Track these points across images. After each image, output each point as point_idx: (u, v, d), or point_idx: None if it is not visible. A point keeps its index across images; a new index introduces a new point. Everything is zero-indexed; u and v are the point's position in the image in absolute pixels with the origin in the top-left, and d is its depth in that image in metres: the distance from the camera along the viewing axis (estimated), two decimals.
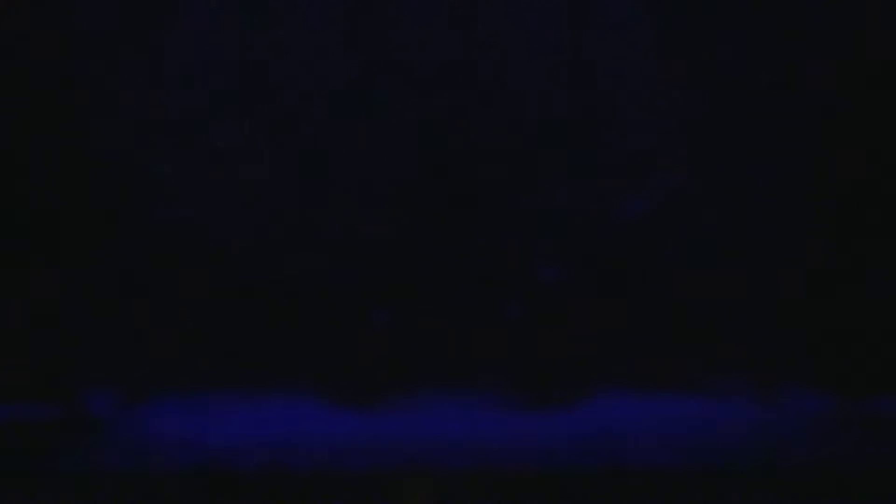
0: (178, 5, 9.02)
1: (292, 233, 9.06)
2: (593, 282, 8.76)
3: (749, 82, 9.06)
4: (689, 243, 8.86)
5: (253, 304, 8.98)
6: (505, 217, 9.04)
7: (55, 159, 7.54)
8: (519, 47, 9.11)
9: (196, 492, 6.22)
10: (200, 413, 7.79)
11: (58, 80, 7.59)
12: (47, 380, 7.46)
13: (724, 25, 9.09)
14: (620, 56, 9.11)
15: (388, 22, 9.11)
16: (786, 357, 8.40)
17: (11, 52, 7.47)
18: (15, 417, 7.45)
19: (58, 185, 7.52)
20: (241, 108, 9.07)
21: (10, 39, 7.46)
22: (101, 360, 8.16)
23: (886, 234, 7.70)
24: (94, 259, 8.06)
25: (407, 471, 6.29)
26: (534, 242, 8.90)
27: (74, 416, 7.47)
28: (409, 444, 6.85)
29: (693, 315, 8.88)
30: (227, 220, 9.03)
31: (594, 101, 9.12)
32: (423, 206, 9.08)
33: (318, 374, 8.42)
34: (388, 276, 8.65)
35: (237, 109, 9.07)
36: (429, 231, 9.03)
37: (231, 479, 6.25)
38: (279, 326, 8.94)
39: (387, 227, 9.05)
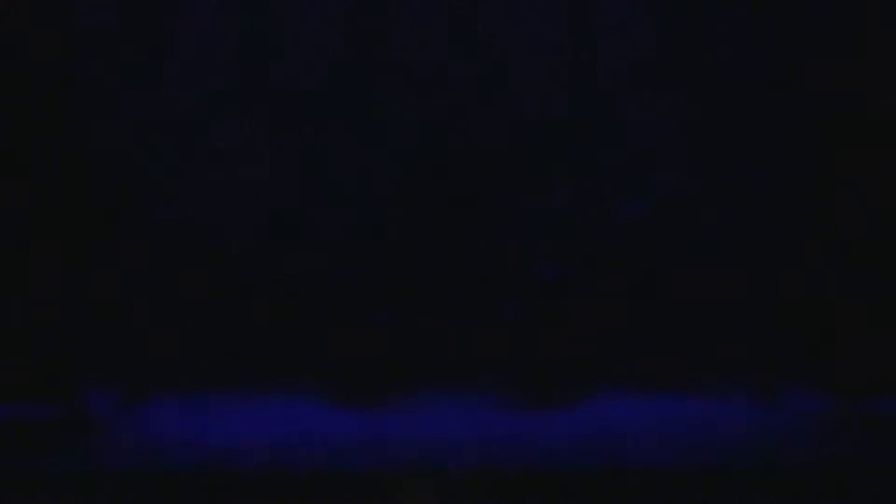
0: (177, 5, 9.03)
1: (292, 233, 9.06)
2: (593, 282, 8.77)
3: (749, 82, 9.07)
4: (689, 243, 8.87)
5: (253, 304, 8.98)
6: (505, 217, 9.05)
7: (55, 159, 7.54)
8: (519, 47, 9.12)
9: (196, 492, 6.22)
10: (200, 413, 7.80)
11: (58, 80, 7.60)
12: (47, 380, 7.47)
13: (724, 25, 9.10)
14: (620, 56, 9.12)
15: (388, 22, 9.12)
16: (786, 357, 8.41)
17: (11, 52, 7.47)
18: (15, 417, 7.46)
19: (58, 185, 7.53)
20: (241, 108, 9.08)
21: (10, 39, 7.47)
22: (101, 360, 8.16)
23: (886, 234, 7.70)
24: (94, 259, 8.07)
25: (407, 471, 6.30)
26: (534, 242, 8.90)
27: (74, 416, 7.48)
28: (409, 444, 6.86)
29: (693, 315, 8.89)
30: (227, 220, 9.04)
31: (594, 101, 9.12)
32: (423, 206, 9.08)
33: (318, 374, 8.43)
34: (388, 276, 8.66)
35: (237, 109, 9.08)
36: (429, 231, 9.04)
37: (231, 479, 6.26)
38: (279, 326, 8.95)
39: (387, 227, 9.06)
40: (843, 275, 7.79)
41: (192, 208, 8.97)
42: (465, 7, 9.10)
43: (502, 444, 6.89)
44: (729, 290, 8.85)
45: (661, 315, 8.83)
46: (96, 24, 8.88)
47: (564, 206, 9.03)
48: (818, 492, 6.28)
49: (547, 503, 6.25)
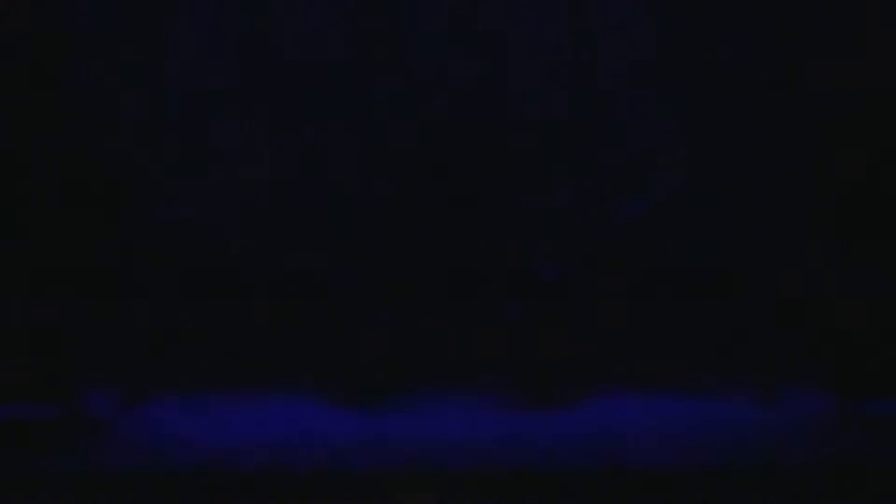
0: (178, 5, 9.02)
1: (292, 233, 9.06)
2: (593, 282, 8.77)
3: (749, 82, 9.06)
4: (689, 243, 8.86)
5: (253, 304, 8.98)
6: (505, 217, 9.05)
7: (55, 159, 7.54)
8: (519, 47, 9.12)
9: (196, 492, 6.22)
10: (200, 413, 7.79)
11: (58, 80, 7.59)
12: (47, 380, 7.46)
13: (724, 25, 9.09)
14: (620, 56, 9.11)
15: (389, 22, 9.11)
16: (786, 357, 8.40)
17: (11, 52, 7.47)
18: (15, 417, 7.45)
19: (58, 185, 7.52)
20: (241, 108, 9.08)
21: (11, 39, 7.47)
22: (101, 360, 8.16)
23: (886, 234, 7.70)
24: (94, 259, 8.06)
25: (407, 471, 6.29)
26: (534, 242, 8.90)
27: (74, 416, 7.47)
28: (409, 444, 6.85)
29: (693, 315, 8.88)
30: (227, 220, 9.03)
31: (594, 101, 9.12)
32: (423, 206, 9.08)
33: (318, 374, 8.42)
34: (388, 276, 8.65)
35: (237, 109, 9.08)
36: (429, 231, 9.03)
37: (231, 479, 6.25)
38: (279, 326, 8.94)
39: (387, 227, 9.05)
40: (843, 275, 7.78)
41: (192, 208, 8.96)
42: (465, 7, 9.10)
43: (502, 444, 6.89)
44: (729, 290, 8.85)
45: (661, 315, 8.82)
46: (96, 24, 8.88)
47: (564, 206, 9.03)
48: (818, 492, 6.27)
49: (547, 503, 6.25)
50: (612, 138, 9.11)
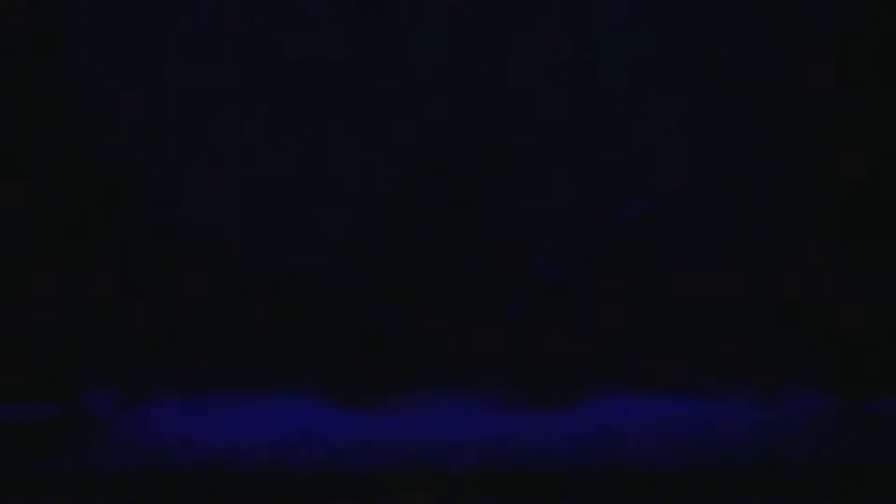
0: (178, 5, 9.02)
1: (292, 233, 9.06)
2: (593, 282, 8.77)
3: (749, 82, 9.06)
4: (689, 243, 8.87)
5: (253, 304, 8.98)
6: (505, 217, 9.05)
7: (55, 159, 7.54)
8: (519, 47, 9.12)
9: (196, 492, 6.22)
10: (200, 413, 7.80)
11: (58, 80, 7.59)
12: (47, 380, 7.46)
13: (724, 25, 9.09)
14: (620, 56, 9.11)
15: (389, 22, 9.11)
16: (786, 357, 8.40)
17: (11, 52, 7.47)
18: (15, 417, 7.45)
19: (58, 185, 7.53)
20: (241, 108, 9.08)
21: (11, 39, 7.47)
22: (101, 359, 8.16)
23: (886, 234, 7.70)
24: (94, 259, 8.07)
25: (407, 471, 6.29)
26: (534, 242, 8.90)
27: (74, 416, 7.47)
28: (409, 444, 6.86)
29: (693, 315, 8.89)
30: (227, 220, 9.03)
31: (594, 101, 9.12)
32: (423, 206, 9.08)
33: (318, 374, 8.42)
34: (388, 276, 8.66)
35: (237, 109, 9.08)
36: (429, 231, 9.03)
37: (231, 479, 6.25)
38: (279, 326, 8.94)
39: (387, 227, 9.05)
40: (843, 275, 7.79)
41: (192, 208, 8.97)
42: (465, 7, 9.10)
43: (502, 444, 6.89)
44: (729, 290, 8.85)
45: (661, 315, 8.82)
46: (96, 23, 8.88)
47: (564, 206, 9.03)
48: (818, 492, 6.28)
49: (547, 503, 6.25)
50: (612, 138, 9.11)
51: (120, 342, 8.38)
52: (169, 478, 6.29)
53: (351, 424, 7.53)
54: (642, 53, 9.10)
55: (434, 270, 8.85)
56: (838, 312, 7.81)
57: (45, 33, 7.58)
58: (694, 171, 9.03)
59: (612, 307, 8.78)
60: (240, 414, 7.81)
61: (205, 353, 8.81)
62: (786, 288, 8.46)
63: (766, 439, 7.05)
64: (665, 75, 9.10)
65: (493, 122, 9.09)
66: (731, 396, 8.31)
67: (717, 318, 8.89)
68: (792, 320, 8.43)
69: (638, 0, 9.10)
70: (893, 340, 7.68)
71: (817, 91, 8.94)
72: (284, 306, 8.96)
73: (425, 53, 9.11)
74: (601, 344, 8.59)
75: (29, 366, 7.46)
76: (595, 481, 6.30)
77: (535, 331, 8.13)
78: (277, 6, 9.08)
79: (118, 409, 7.86)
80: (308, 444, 6.91)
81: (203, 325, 8.83)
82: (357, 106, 9.12)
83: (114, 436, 7.20)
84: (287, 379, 8.70)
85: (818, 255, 8.19)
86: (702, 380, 8.66)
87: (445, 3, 9.11)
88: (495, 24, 9.12)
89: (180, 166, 9.01)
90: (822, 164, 8.54)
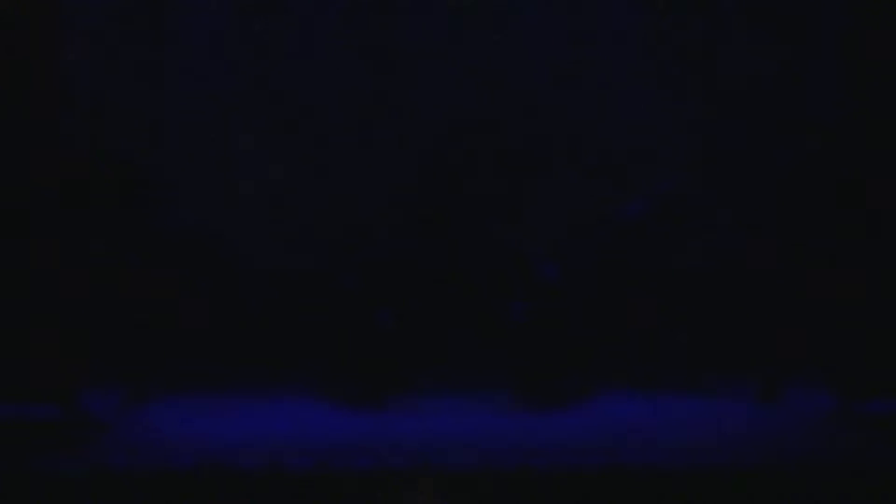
0: (177, 5, 9.02)
1: (293, 233, 9.06)
2: (593, 282, 8.77)
3: (749, 82, 9.06)
4: (689, 243, 8.86)
5: (254, 304, 8.98)
6: (506, 216, 9.05)
7: (56, 159, 7.54)
8: (519, 47, 9.12)
9: (196, 491, 6.22)
10: (201, 413, 7.80)
11: (58, 81, 7.59)
12: (47, 380, 7.46)
13: (724, 25, 9.09)
14: (620, 56, 9.11)
15: (391, 24, 9.11)
16: (786, 357, 8.40)
17: (11, 52, 7.47)
18: (15, 417, 7.45)
19: (58, 186, 7.52)
20: (244, 110, 9.07)
21: (9, 39, 7.46)
22: (101, 360, 8.16)
23: (886, 233, 7.70)
24: (95, 259, 8.06)
25: (407, 471, 6.29)
26: (534, 243, 8.90)
27: (75, 416, 7.47)
28: (409, 444, 6.86)
29: (693, 315, 8.89)
30: (228, 221, 9.03)
31: (594, 101, 9.12)
32: (423, 207, 9.08)
33: (318, 374, 8.43)
34: (390, 276, 8.66)
35: (238, 111, 9.07)
36: (429, 231, 9.03)
37: (231, 479, 6.25)
38: (280, 326, 8.94)
39: (388, 228, 9.05)
40: (844, 275, 7.78)
41: (192, 209, 8.97)
42: (465, 8, 9.10)
43: (502, 444, 6.89)
44: (729, 290, 8.85)
45: (661, 315, 8.82)
46: (96, 23, 8.88)
47: (564, 206, 9.03)
48: (818, 492, 6.28)
49: (547, 503, 6.25)
50: (612, 138, 9.11)
51: (120, 342, 8.38)
52: (169, 478, 6.29)
53: (351, 424, 7.54)
54: (642, 54, 9.10)
55: (434, 270, 8.85)
56: (837, 312, 7.80)
57: (44, 33, 7.58)
58: (694, 171, 9.04)
59: (612, 307, 8.78)
60: (240, 414, 7.81)
61: (205, 353, 8.82)
62: (786, 288, 8.46)
63: (766, 439, 7.05)
64: (665, 75, 9.10)
65: (493, 123, 9.09)
66: (731, 396, 8.32)
67: (717, 318, 8.89)
68: (792, 320, 8.43)
69: (638, 0, 9.10)
70: (893, 340, 7.68)
71: (817, 91, 8.94)
72: (284, 306, 8.96)
73: (426, 54, 9.10)
74: (601, 344, 8.59)
75: (29, 366, 7.46)
76: (595, 481, 6.30)
77: (535, 331, 8.13)
78: (280, 7, 9.07)
79: (119, 409, 7.86)
80: (308, 444, 6.91)
81: (203, 325, 8.84)
82: (358, 107, 9.11)
83: (114, 435, 7.20)
84: (287, 379, 8.70)
85: (818, 255, 8.19)
86: (702, 380, 8.66)
87: (446, 5, 9.10)
88: (495, 24, 9.12)
89: (181, 167, 9.00)
90: (822, 164, 8.54)
